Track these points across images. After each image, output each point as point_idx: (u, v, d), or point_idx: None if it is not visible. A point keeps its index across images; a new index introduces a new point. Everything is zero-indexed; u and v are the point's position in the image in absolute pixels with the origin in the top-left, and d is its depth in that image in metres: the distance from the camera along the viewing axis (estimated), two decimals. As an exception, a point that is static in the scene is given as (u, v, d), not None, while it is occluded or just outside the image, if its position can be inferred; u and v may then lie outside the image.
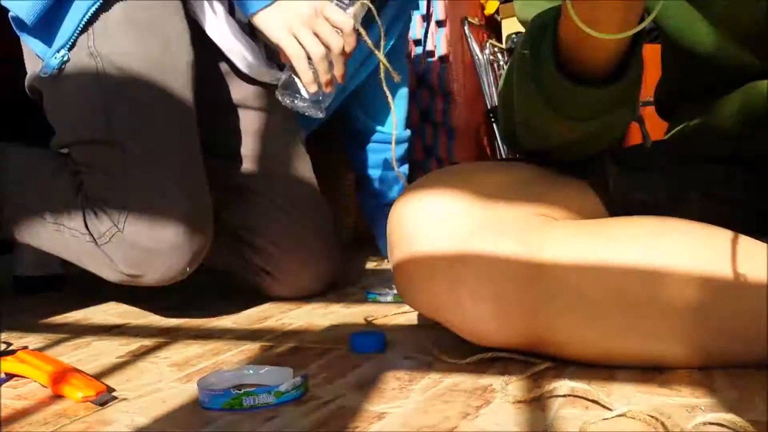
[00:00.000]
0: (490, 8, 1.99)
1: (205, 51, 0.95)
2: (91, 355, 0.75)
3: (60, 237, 0.88)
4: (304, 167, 1.07)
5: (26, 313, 1.06)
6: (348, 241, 1.82)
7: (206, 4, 0.94)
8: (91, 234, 0.84)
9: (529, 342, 0.57)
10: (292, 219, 1.00)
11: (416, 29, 1.84)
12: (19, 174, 0.93)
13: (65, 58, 0.85)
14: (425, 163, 1.88)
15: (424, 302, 0.60)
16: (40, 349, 0.80)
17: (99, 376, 0.66)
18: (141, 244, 0.81)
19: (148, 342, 0.80)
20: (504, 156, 1.86)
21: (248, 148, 1.02)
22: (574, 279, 0.54)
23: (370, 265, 1.40)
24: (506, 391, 0.52)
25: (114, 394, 0.60)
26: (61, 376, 0.59)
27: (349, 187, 1.79)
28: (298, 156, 1.06)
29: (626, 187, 0.65)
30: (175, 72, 0.87)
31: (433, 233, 0.58)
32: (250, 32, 0.98)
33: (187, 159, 0.86)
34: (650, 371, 0.54)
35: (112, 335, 0.86)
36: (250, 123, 1.02)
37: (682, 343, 0.53)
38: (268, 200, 1.00)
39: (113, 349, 0.78)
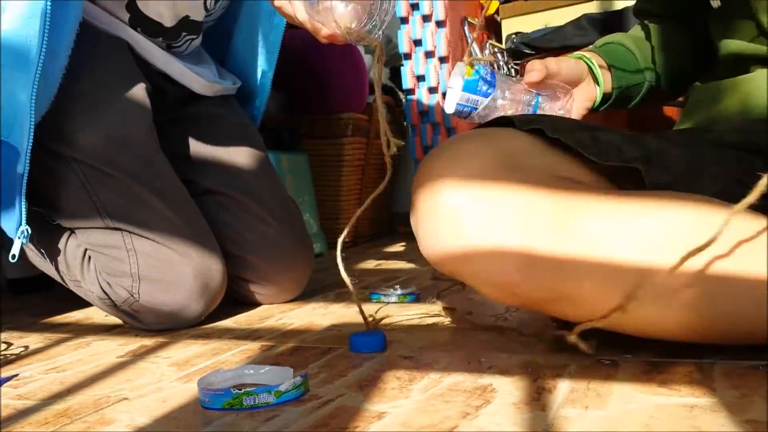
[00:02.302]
0: (490, 8, 1.99)
1: (160, 77, 1.00)
2: (91, 355, 0.76)
3: (81, 291, 0.93)
4: (269, 169, 1.07)
5: (27, 314, 1.06)
6: (348, 242, 1.82)
7: (148, 44, 0.97)
8: (109, 298, 0.88)
9: (549, 298, 0.57)
10: (267, 225, 1.00)
11: (416, 29, 1.84)
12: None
13: (27, 233, 0.84)
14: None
15: (448, 254, 0.59)
16: (41, 350, 0.80)
17: (100, 376, 0.66)
18: (158, 308, 0.86)
19: (148, 342, 0.80)
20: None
21: (213, 157, 1.03)
22: (600, 244, 0.54)
23: (371, 265, 1.40)
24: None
25: (115, 393, 0.60)
26: None
27: (347, 187, 1.80)
28: (262, 160, 1.06)
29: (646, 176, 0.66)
30: (139, 141, 0.88)
31: (464, 185, 0.58)
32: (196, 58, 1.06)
33: (183, 218, 0.89)
34: (650, 371, 0.55)
35: (112, 335, 0.86)
36: (209, 133, 1.04)
37: (688, 310, 0.53)
38: (241, 208, 1.00)
39: (114, 348, 0.78)
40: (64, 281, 0.94)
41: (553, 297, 0.57)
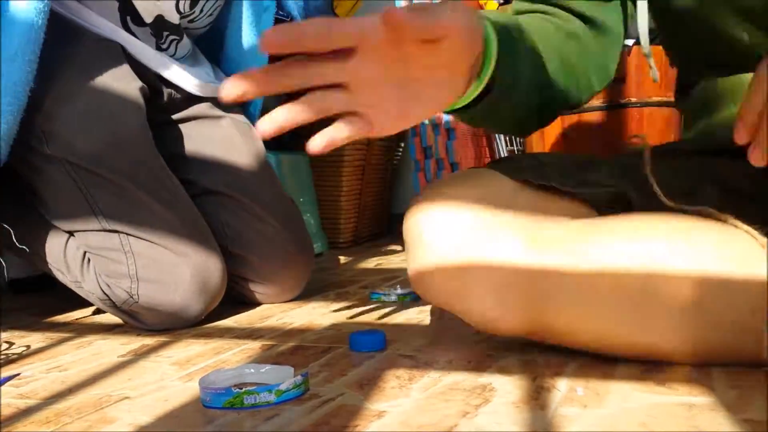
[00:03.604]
0: (490, 8, 2.00)
1: (156, 79, 1.00)
2: (93, 354, 0.76)
3: (82, 291, 0.93)
4: (267, 169, 1.07)
5: (28, 313, 1.06)
6: (348, 242, 1.82)
7: (141, 45, 0.97)
8: (110, 299, 0.88)
9: (532, 330, 0.59)
10: (266, 224, 1.00)
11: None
12: (31, 243, 0.95)
13: None
14: (425, 163, 1.88)
15: (440, 300, 0.63)
16: (42, 349, 0.80)
17: (101, 375, 0.66)
18: (158, 309, 0.86)
19: (149, 341, 0.81)
20: (503, 156, 1.86)
21: (212, 157, 1.03)
22: (573, 276, 0.55)
23: (371, 264, 1.40)
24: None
25: (116, 392, 0.60)
26: None
27: (347, 188, 1.80)
28: (260, 160, 1.06)
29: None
30: (133, 142, 0.88)
31: (442, 240, 0.61)
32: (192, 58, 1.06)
33: (180, 218, 0.89)
34: (648, 370, 0.55)
35: (114, 334, 0.87)
36: (208, 133, 1.04)
37: (676, 335, 0.54)
38: (241, 207, 1.00)
39: (115, 348, 0.78)
40: (65, 282, 0.94)
41: (535, 331, 0.59)
